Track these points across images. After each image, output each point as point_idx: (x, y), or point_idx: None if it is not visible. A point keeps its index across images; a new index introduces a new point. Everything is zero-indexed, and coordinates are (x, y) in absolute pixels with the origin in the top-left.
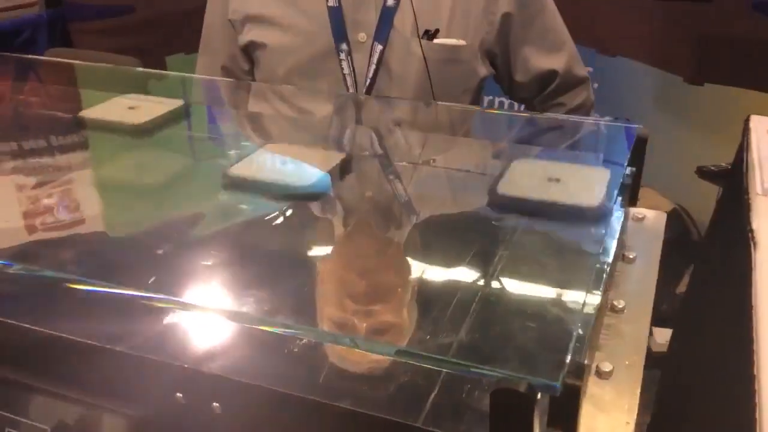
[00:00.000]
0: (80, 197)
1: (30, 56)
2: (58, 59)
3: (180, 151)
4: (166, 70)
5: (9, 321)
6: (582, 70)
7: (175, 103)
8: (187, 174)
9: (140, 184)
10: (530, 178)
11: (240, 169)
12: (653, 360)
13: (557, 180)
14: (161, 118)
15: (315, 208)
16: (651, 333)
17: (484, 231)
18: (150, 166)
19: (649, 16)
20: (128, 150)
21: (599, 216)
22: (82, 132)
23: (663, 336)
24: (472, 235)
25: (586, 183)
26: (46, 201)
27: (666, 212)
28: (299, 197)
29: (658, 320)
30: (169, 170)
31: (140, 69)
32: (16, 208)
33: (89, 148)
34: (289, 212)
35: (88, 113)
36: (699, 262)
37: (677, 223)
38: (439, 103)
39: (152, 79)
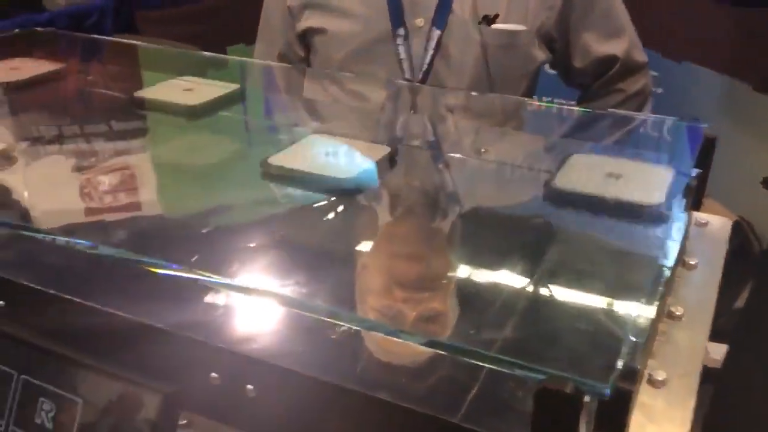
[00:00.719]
0: (133, 178)
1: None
2: (122, 40)
3: (234, 135)
4: None
5: (47, 291)
6: (642, 56)
7: (231, 87)
8: (237, 158)
9: (191, 166)
10: (589, 173)
11: (281, 159)
12: (706, 375)
13: (618, 176)
14: (216, 100)
15: (363, 197)
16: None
17: (538, 226)
18: (202, 148)
19: (717, 22)
20: (182, 132)
21: (660, 216)
22: (139, 113)
23: (718, 351)
24: (526, 229)
25: (649, 181)
26: (97, 182)
27: None
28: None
29: (713, 335)
30: (221, 154)
31: (201, 53)
32: (70, 187)
33: (146, 129)
34: (337, 200)
35: (145, 93)
36: (759, 276)
37: (738, 235)
38: (494, 94)
39: (210, 66)
